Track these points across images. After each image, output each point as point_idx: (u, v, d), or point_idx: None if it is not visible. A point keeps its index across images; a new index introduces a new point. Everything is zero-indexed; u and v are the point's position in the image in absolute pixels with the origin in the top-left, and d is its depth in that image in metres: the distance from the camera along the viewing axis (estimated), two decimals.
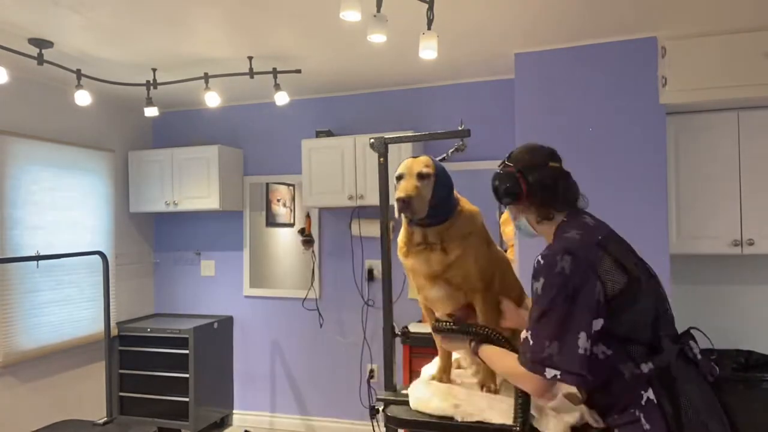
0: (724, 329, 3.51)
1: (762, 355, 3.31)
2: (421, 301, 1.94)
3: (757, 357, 3.31)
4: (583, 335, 1.35)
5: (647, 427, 1.37)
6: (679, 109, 3.39)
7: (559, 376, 1.36)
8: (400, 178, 1.74)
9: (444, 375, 1.92)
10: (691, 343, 1.48)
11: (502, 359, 1.55)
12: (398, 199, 1.68)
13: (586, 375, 1.35)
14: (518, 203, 1.57)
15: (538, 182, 1.53)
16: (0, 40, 3.11)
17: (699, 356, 1.47)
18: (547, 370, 1.37)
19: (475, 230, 1.80)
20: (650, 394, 1.39)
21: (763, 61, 3.09)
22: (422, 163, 1.74)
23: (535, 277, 1.43)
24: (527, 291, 1.68)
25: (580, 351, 1.35)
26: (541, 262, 1.43)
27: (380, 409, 1.89)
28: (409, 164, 1.75)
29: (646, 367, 1.40)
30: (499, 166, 1.62)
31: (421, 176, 1.72)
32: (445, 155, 2.12)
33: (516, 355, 1.47)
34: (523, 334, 1.45)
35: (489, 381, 1.82)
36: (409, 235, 1.81)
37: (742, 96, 3.14)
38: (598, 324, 1.37)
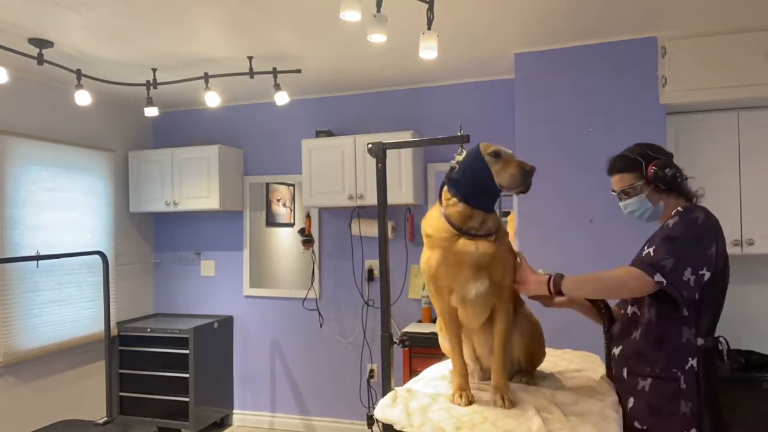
0: (723, 329, 3.48)
1: (762, 355, 3.31)
2: (446, 314, 1.76)
3: (757, 357, 3.31)
4: (689, 270, 1.64)
5: (684, 386, 1.69)
6: (679, 109, 3.39)
7: (664, 284, 1.63)
8: (498, 154, 1.68)
9: (466, 393, 1.67)
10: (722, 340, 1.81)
11: (595, 276, 1.73)
12: (530, 170, 1.65)
13: (684, 295, 1.63)
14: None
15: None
16: (0, 40, 3.11)
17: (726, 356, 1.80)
18: (657, 274, 1.63)
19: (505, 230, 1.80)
20: (694, 363, 1.70)
21: (763, 61, 3.09)
22: None
23: (672, 217, 1.74)
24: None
25: (684, 278, 1.63)
26: (680, 209, 1.74)
27: (378, 419, 1.84)
28: (501, 147, 1.72)
29: (701, 341, 1.71)
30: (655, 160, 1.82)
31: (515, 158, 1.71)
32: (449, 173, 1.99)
33: (604, 271, 1.72)
34: (646, 249, 1.71)
35: (506, 390, 1.64)
36: (464, 219, 1.69)
37: (742, 96, 3.15)
38: (705, 275, 1.66)
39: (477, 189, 1.69)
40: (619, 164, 1.89)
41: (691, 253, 1.66)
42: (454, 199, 1.71)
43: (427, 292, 4.06)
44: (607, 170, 1.93)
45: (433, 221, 1.75)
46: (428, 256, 1.74)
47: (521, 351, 1.85)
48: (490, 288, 1.69)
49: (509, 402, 1.61)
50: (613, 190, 1.91)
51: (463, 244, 1.67)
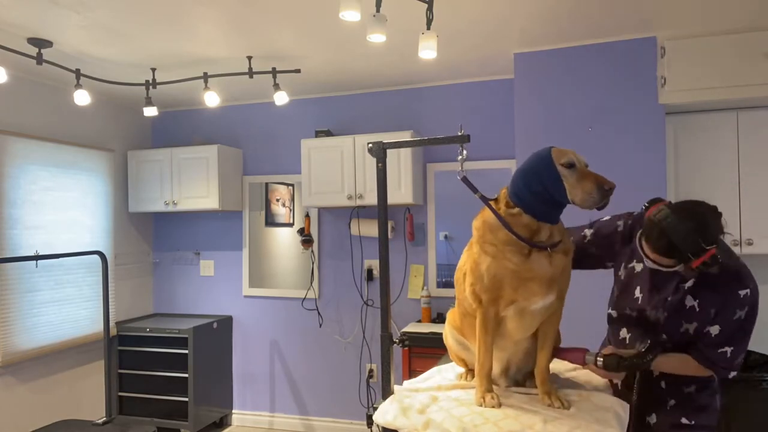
0: None
1: (761, 355, 3.31)
2: (491, 321, 1.61)
3: (756, 357, 3.31)
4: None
5: (716, 384, 1.84)
6: (679, 109, 3.39)
7: (734, 375, 1.74)
8: (572, 165, 1.53)
9: (496, 395, 1.62)
10: None
11: (684, 366, 1.75)
12: (610, 188, 1.49)
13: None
14: None
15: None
16: None
17: None
18: (731, 373, 1.73)
19: None
20: None
21: (763, 61, 3.09)
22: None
23: (741, 305, 1.65)
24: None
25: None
26: (749, 295, 1.65)
27: (378, 423, 1.81)
28: (574, 154, 1.56)
29: None
30: (707, 253, 1.52)
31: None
32: (461, 172, 1.81)
33: (688, 358, 1.72)
34: (725, 348, 1.68)
35: (558, 393, 1.63)
36: (531, 232, 1.55)
37: (741, 96, 3.15)
38: None
39: (544, 201, 1.55)
40: (668, 250, 1.59)
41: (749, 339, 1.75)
42: (518, 209, 1.56)
43: (427, 293, 4.07)
44: (645, 234, 1.66)
45: (498, 230, 1.58)
46: (491, 266, 1.57)
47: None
48: (554, 300, 1.62)
49: (567, 402, 1.59)
50: (645, 254, 1.70)
51: (537, 259, 1.54)
